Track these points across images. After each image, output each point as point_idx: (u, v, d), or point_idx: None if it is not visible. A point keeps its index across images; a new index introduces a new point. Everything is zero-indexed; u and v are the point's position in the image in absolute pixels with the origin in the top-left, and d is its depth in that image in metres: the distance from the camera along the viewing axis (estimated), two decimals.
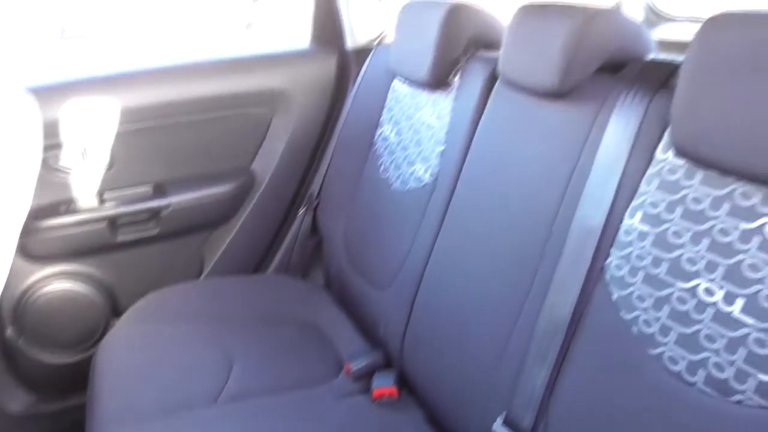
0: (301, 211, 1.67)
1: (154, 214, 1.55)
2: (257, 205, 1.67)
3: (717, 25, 0.72)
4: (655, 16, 1.62)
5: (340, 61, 1.66)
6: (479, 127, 1.15)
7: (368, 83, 1.53)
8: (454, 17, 1.21)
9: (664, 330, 0.74)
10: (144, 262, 1.60)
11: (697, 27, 0.75)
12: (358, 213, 1.46)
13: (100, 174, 1.49)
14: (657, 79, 0.88)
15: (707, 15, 0.75)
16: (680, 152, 0.76)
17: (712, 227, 0.72)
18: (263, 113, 1.63)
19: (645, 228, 0.80)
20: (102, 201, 1.51)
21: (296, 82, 1.62)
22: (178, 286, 1.47)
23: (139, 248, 1.58)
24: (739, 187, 0.70)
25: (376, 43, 1.65)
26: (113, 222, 1.52)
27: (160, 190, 1.56)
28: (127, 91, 1.47)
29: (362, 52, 1.61)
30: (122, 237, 1.54)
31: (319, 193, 1.64)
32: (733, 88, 0.68)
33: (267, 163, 1.65)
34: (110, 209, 1.50)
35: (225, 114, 1.58)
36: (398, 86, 1.41)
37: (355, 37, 1.65)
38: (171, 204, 1.55)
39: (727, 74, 0.69)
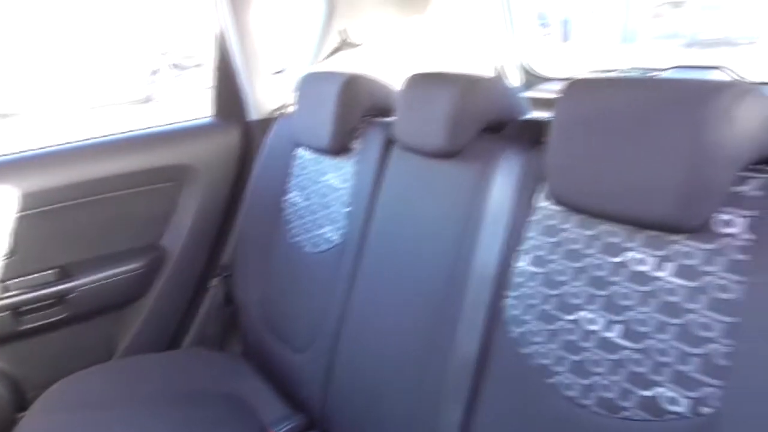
0: (214, 282, 1.67)
1: (60, 298, 1.51)
2: (168, 280, 1.66)
3: (574, 91, 0.83)
4: (533, 78, 1.78)
5: (244, 132, 1.71)
6: (382, 187, 1.22)
7: (273, 152, 1.58)
8: (349, 87, 1.30)
9: (558, 360, 0.82)
10: (51, 349, 1.54)
11: None
12: (273, 279, 1.48)
13: (1, 262, 1.44)
14: (532, 136, 0.98)
15: (578, 74, 0.86)
16: (556, 200, 0.85)
17: (588, 264, 0.81)
18: (170, 188, 1.64)
19: (533, 269, 0.88)
20: (5, 290, 1.45)
21: (201, 155, 1.65)
22: (89, 370, 1.42)
23: (45, 335, 1.52)
24: (606, 227, 0.80)
25: (278, 113, 1.71)
26: (16, 310, 1.46)
27: (65, 273, 1.52)
28: (28, 175, 1.44)
29: (265, 123, 1.67)
30: (26, 325, 1.48)
31: (231, 263, 1.65)
32: (589, 144, 0.79)
33: (176, 237, 1.65)
34: (12, 297, 1.45)
35: (130, 192, 1.58)
36: (302, 153, 1.47)
37: (257, 108, 1.71)
38: (77, 286, 1.52)
39: (584, 133, 0.79)
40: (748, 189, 0.69)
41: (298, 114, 1.43)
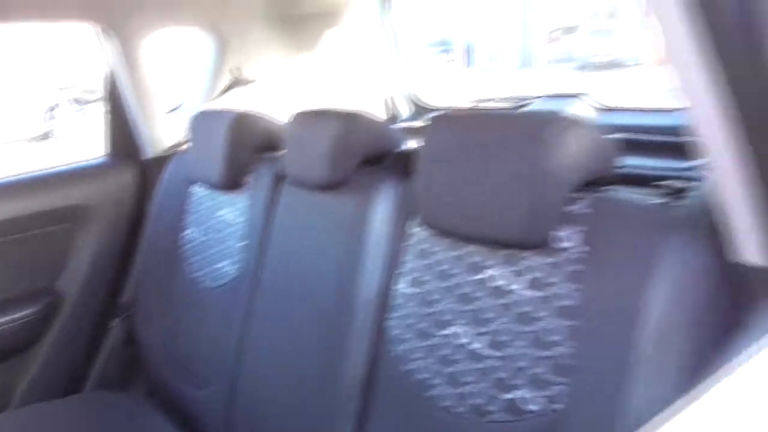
0: (115, 322, 1.65)
1: None
2: (66, 323, 1.62)
3: (436, 125, 0.92)
4: (421, 108, 1.89)
5: (140, 170, 1.71)
6: (274, 220, 1.27)
7: (169, 190, 1.59)
8: (239, 125, 1.34)
9: (435, 374, 0.89)
10: None
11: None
12: (173, 316, 1.49)
13: None
14: (406, 167, 1.06)
15: (464, 104, 0.95)
16: (427, 226, 0.93)
17: (456, 283, 0.89)
18: (65, 229, 1.61)
19: (411, 291, 0.95)
20: None
21: (96, 195, 1.64)
22: None
23: None
24: (469, 248, 0.89)
25: (173, 151, 1.72)
26: None
27: None
28: None
29: (161, 160, 1.68)
30: None
31: (132, 302, 1.64)
32: (451, 173, 0.87)
33: (72, 279, 1.62)
34: None
35: (24, 235, 1.54)
36: (197, 190, 1.49)
37: (152, 146, 1.72)
38: None
39: (446, 163, 0.88)
40: (579, 208, 0.79)
41: (192, 151, 1.46)
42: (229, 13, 1.64)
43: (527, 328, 0.81)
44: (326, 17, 1.75)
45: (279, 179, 1.28)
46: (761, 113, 0.56)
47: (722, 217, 0.64)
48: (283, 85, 1.74)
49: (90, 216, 1.63)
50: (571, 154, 0.77)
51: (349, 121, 1.11)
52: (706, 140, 0.60)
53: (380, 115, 1.87)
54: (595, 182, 0.82)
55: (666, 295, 0.68)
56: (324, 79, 1.79)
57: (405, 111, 1.87)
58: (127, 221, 1.69)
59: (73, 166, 1.69)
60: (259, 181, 1.32)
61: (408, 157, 1.09)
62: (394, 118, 1.89)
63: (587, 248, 0.77)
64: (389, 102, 1.86)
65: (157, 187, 1.62)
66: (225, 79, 1.69)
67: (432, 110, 1.87)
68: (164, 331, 1.51)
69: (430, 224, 0.92)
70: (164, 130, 1.71)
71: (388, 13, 1.81)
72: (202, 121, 1.45)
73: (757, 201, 0.58)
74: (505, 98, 1.74)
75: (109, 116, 1.72)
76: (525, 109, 1.60)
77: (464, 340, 0.87)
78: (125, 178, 1.69)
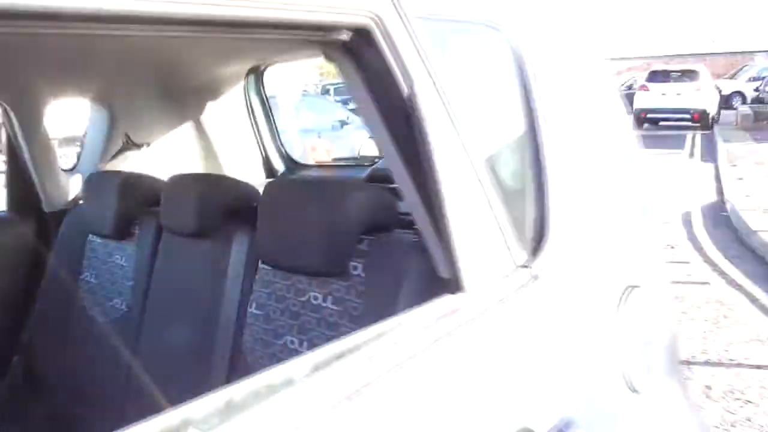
0: (15, 359, 1.83)
1: None
2: None
3: (270, 188, 1.24)
4: (294, 165, 2.23)
5: (39, 224, 1.92)
6: (157, 262, 1.54)
7: (67, 239, 1.83)
8: (127, 183, 1.62)
9: None
10: None
11: (324, 170, 1.26)
12: (72, 351, 1.71)
13: None
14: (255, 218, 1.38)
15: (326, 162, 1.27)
16: (269, 263, 1.25)
17: (287, 304, 1.21)
18: None
19: (258, 312, 1.26)
20: None
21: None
22: None
23: None
24: (297, 277, 1.21)
25: (70, 206, 1.95)
26: None
27: None
28: None
29: (60, 214, 1.90)
30: None
31: (31, 340, 1.83)
32: (281, 224, 1.19)
33: None
34: None
35: None
36: (93, 239, 1.74)
37: (50, 201, 1.94)
38: None
39: (277, 217, 1.20)
40: (363, 246, 1.13)
41: (87, 206, 1.71)
42: (119, 86, 1.92)
43: (333, 333, 1.13)
44: (209, 89, 2.07)
45: (160, 229, 1.56)
46: (420, 167, 0.85)
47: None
48: (169, 149, 2.02)
49: None
50: (359, 210, 1.11)
51: (213, 182, 1.43)
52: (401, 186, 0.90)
53: (260, 172, 2.19)
54: (377, 227, 1.16)
55: (411, 301, 1.03)
56: (208, 142, 2.08)
57: (281, 167, 2.19)
58: (28, 267, 1.89)
59: None
60: (145, 230, 1.60)
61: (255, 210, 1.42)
62: (271, 174, 2.20)
63: (365, 274, 1.11)
64: (266, 159, 2.18)
65: (57, 238, 1.84)
66: (117, 143, 1.95)
67: (303, 166, 2.21)
68: (62, 365, 1.72)
69: (270, 261, 1.24)
70: (61, 188, 1.94)
71: (261, 86, 2.15)
72: (96, 180, 1.71)
73: (431, 232, 0.88)
74: (361, 157, 2.10)
75: (9, 173, 1.93)
76: (374, 166, 1.98)
77: (295, 347, 1.18)
78: (25, 231, 1.90)
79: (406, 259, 1.06)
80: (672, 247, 5.26)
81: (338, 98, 11.70)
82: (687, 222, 6.23)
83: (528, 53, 0.99)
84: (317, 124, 6.68)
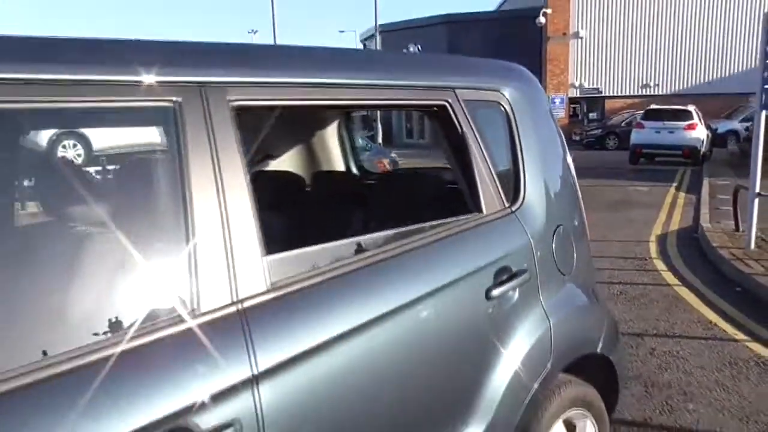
0: None
1: None
2: None
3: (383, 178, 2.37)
4: (366, 173, 3.35)
5: None
6: None
7: None
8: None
9: None
10: None
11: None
12: None
13: None
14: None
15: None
16: None
17: None
18: None
19: None
20: None
21: None
22: None
23: None
24: None
25: None
26: None
27: None
28: None
29: None
30: None
31: None
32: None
33: None
34: None
35: None
36: None
37: None
38: None
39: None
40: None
41: None
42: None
43: None
44: (321, 124, 3.20)
45: None
46: (467, 170, 2.02)
47: None
48: (291, 161, 3.15)
49: None
50: (443, 181, 2.23)
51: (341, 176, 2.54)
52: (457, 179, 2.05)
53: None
54: (450, 183, 2.27)
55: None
56: (315, 156, 3.22)
57: (357, 173, 3.32)
58: None
59: None
60: None
61: None
62: None
63: None
64: (347, 169, 3.31)
65: None
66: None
67: (372, 174, 3.34)
68: None
69: None
70: None
71: (351, 123, 3.30)
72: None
73: (469, 194, 2.04)
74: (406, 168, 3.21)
75: None
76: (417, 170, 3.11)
77: None
78: None
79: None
80: (645, 260, 6.36)
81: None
82: (662, 241, 7.33)
83: (514, 116, 2.11)
84: None
